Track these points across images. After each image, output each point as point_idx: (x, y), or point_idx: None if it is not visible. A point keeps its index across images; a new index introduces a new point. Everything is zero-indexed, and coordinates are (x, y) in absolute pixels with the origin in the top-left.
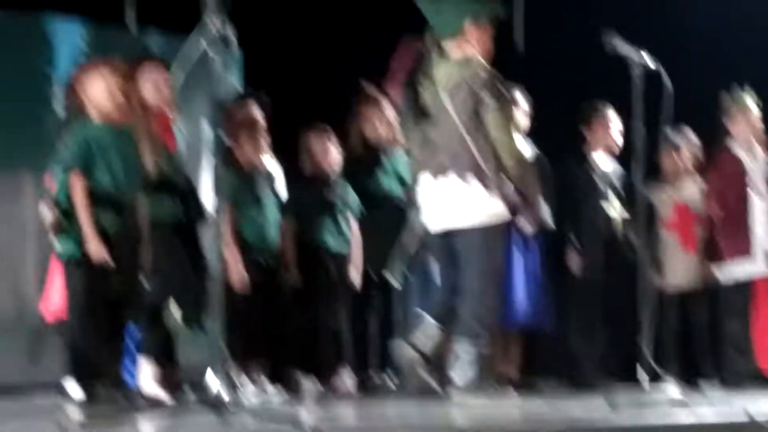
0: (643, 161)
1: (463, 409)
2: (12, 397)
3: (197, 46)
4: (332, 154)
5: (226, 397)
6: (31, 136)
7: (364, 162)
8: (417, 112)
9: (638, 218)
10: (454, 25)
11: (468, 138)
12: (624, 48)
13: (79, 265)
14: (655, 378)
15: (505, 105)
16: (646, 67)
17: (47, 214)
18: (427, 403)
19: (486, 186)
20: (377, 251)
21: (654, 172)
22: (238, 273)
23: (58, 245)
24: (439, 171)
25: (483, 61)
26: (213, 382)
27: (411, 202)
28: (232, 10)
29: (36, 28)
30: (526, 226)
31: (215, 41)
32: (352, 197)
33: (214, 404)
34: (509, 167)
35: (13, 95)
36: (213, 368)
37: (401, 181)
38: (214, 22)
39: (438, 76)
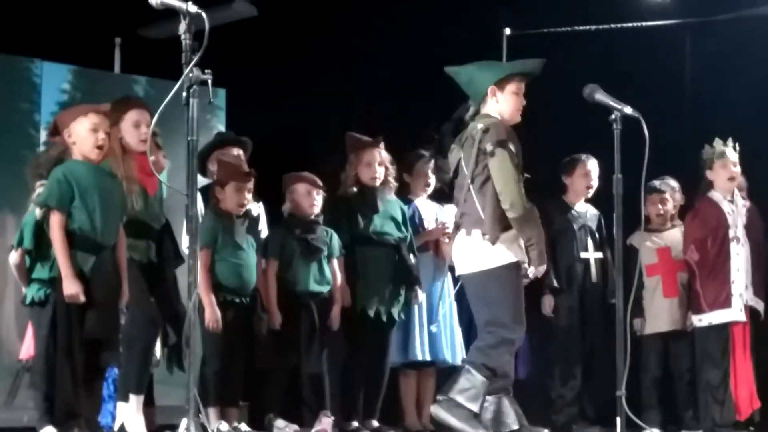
0: (621, 208)
1: None
2: None
3: (177, 91)
4: (314, 198)
5: None
6: (14, 179)
7: (357, 203)
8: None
9: (618, 263)
10: (482, 91)
11: (472, 189)
12: (605, 98)
13: (46, 307)
14: (632, 425)
15: (502, 152)
16: (627, 117)
17: (13, 256)
18: None
19: (485, 235)
20: (370, 292)
21: (638, 219)
22: (212, 315)
23: (25, 289)
24: (455, 227)
25: (495, 115)
26: (185, 423)
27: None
28: (217, 53)
29: (22, 71)
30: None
31: (193, 86)
32: (335, 240)
33: None
34: (511, 213)
35: None
36: (185, 410)
37: (395, 224)
38: (192, 68)
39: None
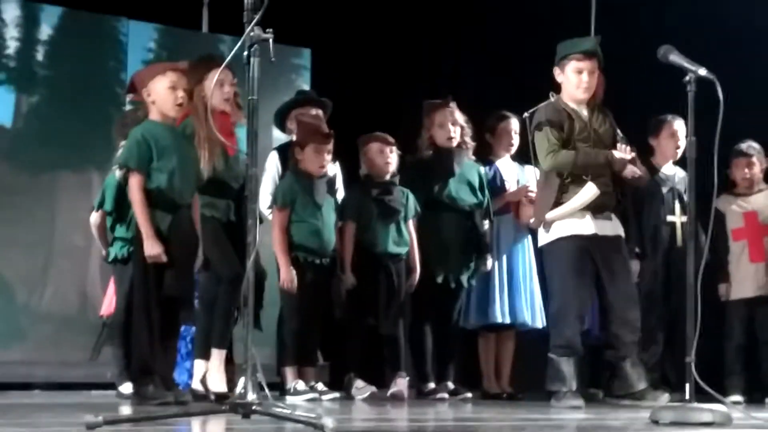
0: (694, 171)
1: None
2: (73, 391)
3: (238, 50)
4: (388, 156)
5: (254, 398)
6: (100, 137)
7: (433, 167)
8: None
9: (690, 227)
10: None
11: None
12: (679, 60)
13: (129, 264)
14: (705, 393)
15: (537, 134)
16: (702, 79)
17: (94, 216)
18: (480, 408)
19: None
20: (440, 258)
21: (725, 183)
22: (286, 275)
23: (105, 248)
24: None
25: (563, 94)
26: (245, 382)
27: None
28: (304, 13)
29: (109, 30)
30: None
31: (254, 45)
32: (411, 201)
33: (242, 405)
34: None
35: (84, 96)
36: (245, 368)
37: (471, 189)
38: (253, 27)
39: None
